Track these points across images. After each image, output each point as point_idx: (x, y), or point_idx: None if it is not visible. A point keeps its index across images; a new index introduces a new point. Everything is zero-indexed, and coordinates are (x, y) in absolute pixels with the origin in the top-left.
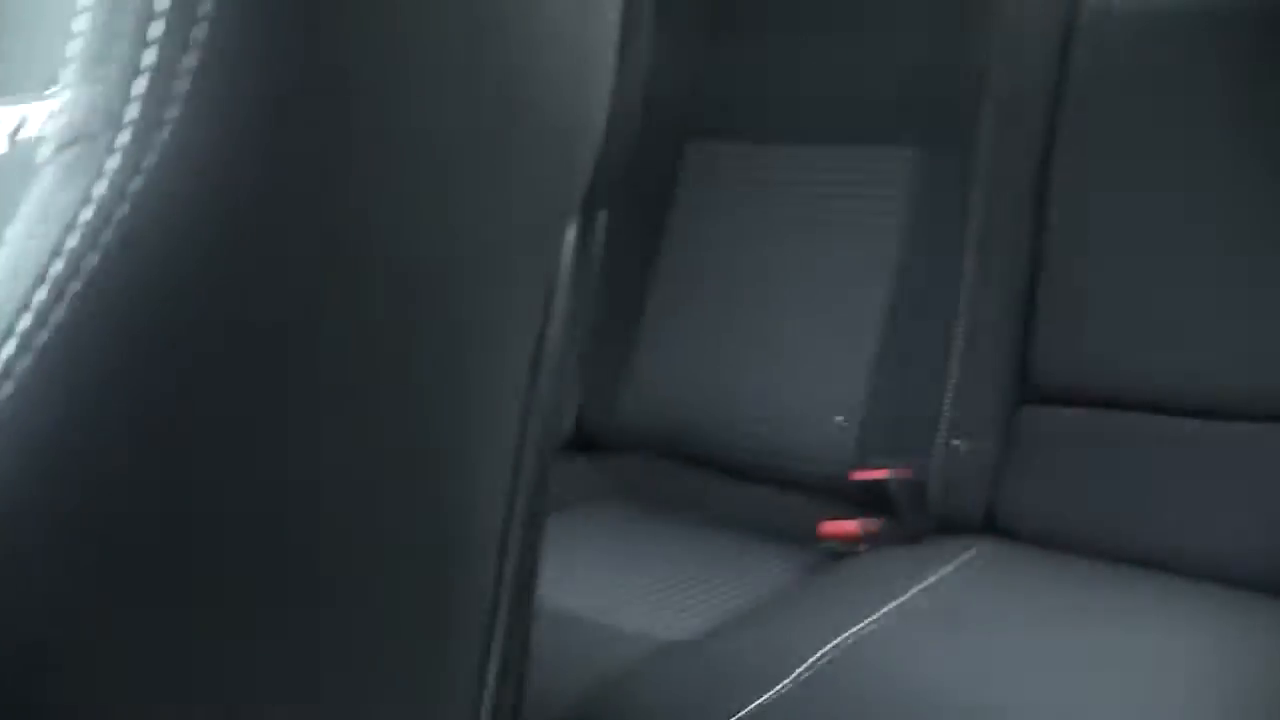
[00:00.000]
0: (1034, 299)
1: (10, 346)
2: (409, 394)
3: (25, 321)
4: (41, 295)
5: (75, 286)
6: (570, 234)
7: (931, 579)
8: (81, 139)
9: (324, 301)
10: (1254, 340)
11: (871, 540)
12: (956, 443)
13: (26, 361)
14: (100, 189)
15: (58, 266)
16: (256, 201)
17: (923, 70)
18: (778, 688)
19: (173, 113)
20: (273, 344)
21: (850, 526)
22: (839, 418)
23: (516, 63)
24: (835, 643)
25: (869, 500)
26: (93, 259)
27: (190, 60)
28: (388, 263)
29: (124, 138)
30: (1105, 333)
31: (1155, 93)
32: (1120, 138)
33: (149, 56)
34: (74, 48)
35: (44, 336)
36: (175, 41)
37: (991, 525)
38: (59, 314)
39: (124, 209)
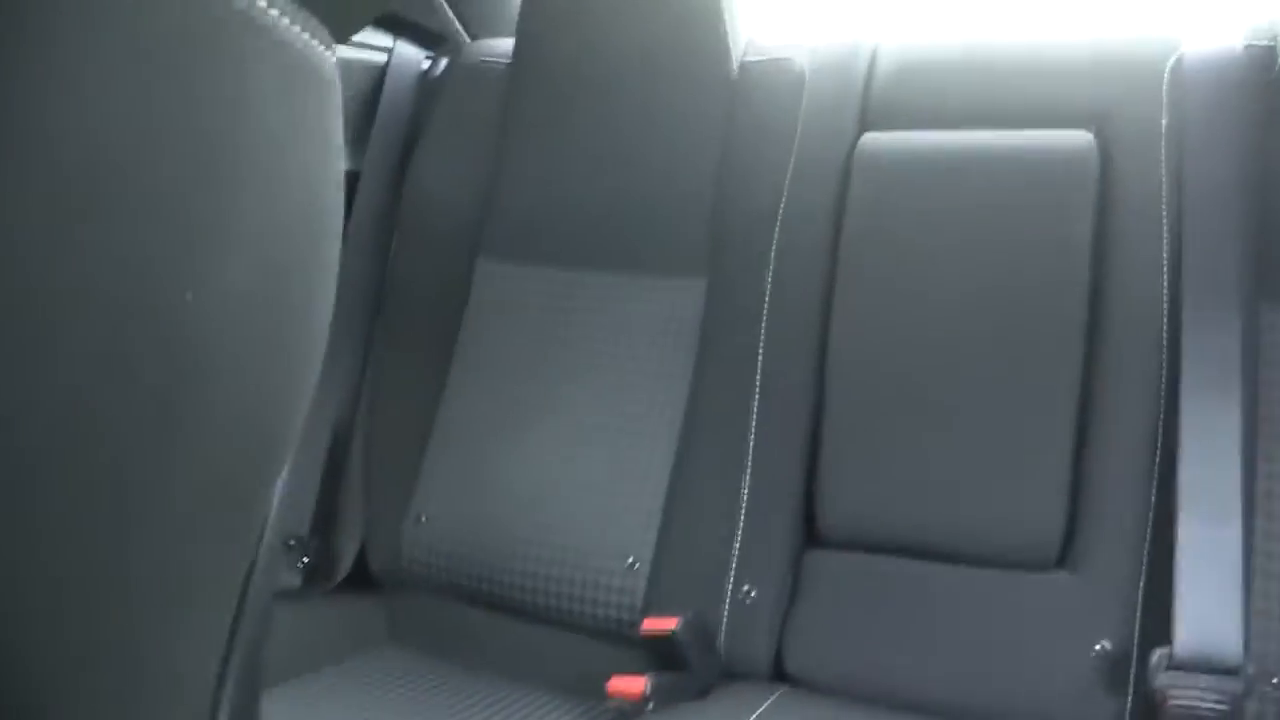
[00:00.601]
0: (818, 442)
1: None
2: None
3: None
4: None
5: None
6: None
7: None
8: None
9: None
10: (1013, 494)
11: (660, 696)
12: (745, 589)
13: None
14: None
15: None
16: None
17: (715, 206)
18: None
19: None
20: None
21: (636, 687)
22: (629, 561)
23: (188, 352)
24: None
25: (659, 647)
26: None
27: None
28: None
29: None
30: (884, 479)
31: (923, 239)
32: (892, 281)
33: None
34: None
35: None
36: None
37: (779, 672)
38: None
39: None
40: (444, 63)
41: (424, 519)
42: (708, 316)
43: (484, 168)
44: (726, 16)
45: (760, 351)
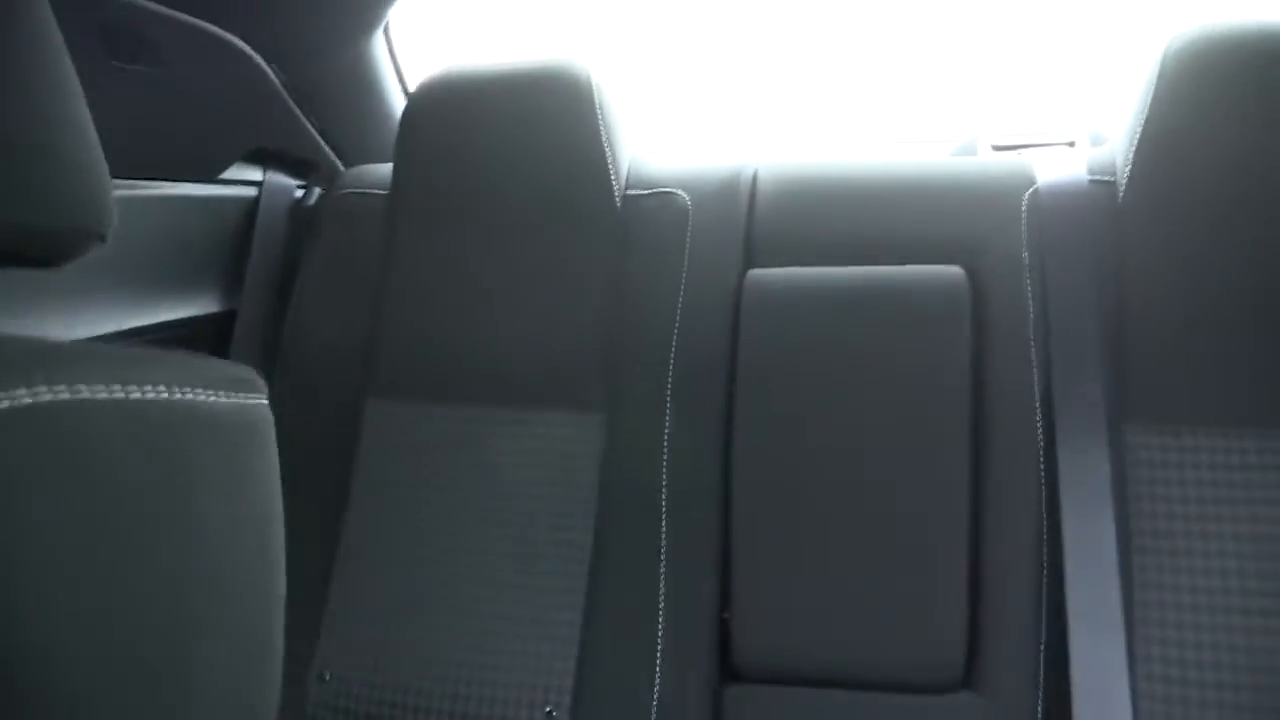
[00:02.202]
0: (728, 575)
1: None
2: None
3: None
4: None
5: None
6: None
7: None
8: None
9: None
10: (915, 619)
11: None
12: None
13: None
14: None
15: None
16: None
17: (608, 340)
18: None
19: None
20: None
21: None
22: (547, 710)
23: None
24: None
25: None
26: None
27: None
28: None
29: None
30: (793, 612)
31: (815, 374)
32: (788, 414)
33: None
34: None
35: None
36: None
37: None
38: None
39: None
40: (317, 192)
41: (328, 676)
42: (608, 452)
43: (366, 302)
44: (607, 149)
45: (664, 487)
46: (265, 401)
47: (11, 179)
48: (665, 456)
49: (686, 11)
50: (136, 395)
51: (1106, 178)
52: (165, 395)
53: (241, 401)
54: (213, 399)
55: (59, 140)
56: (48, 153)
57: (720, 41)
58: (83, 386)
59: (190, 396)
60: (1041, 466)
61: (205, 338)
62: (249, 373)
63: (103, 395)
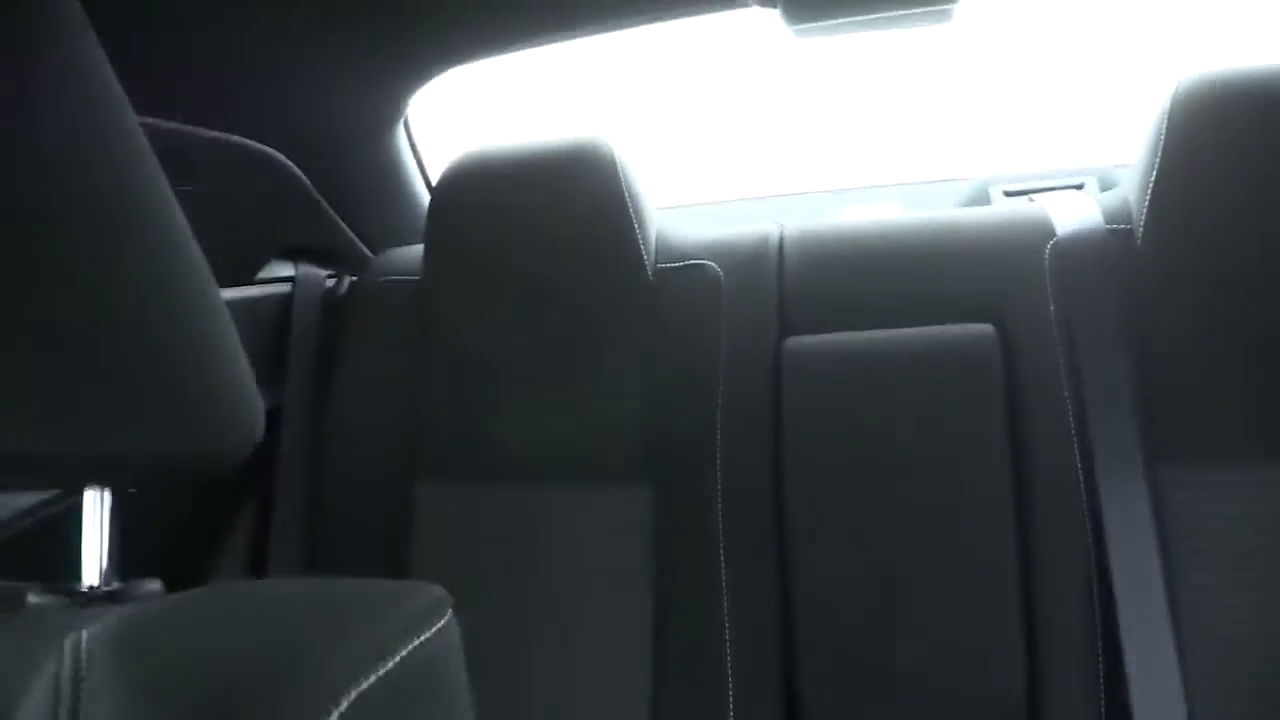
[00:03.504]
0: (791, 631)
1: None
2: None
3: None
4: None
5: None
6: None
7: None
8: None
9: None
10: (977, 661)
11: None
12: None
13: None
14: None
15: None
16: None
17: (650, 412)
18: None
19: None
20: None
21: None
22: None
23: None
24: None
25: None
26: None
27: None
28: None
29: None
30: (858, 661)
31: (859, 435)
32: (837, 476)
33: None
34: None
35: None
36: None
37: None
38: None
39: None
40: (347, 280)
41: None
42: (659, 523)
43: (405, 387)
44: (636, 223)
45: (722, 551)
46: (451, 612)
47: (176, 415)
48: (720, 524)
49: (682, 59)
50: (390, 666)
51: (1123, 225)
52: (403, 654)
53: (441, 626)
54: (425, 638)
55: (216, 372)
56: (206, 385)
57: (724, 91)
58: (352, 686)
59: (417, 642)
60: (1085, 511)
61: None
62: (437, 590)
63: (371, 678)
